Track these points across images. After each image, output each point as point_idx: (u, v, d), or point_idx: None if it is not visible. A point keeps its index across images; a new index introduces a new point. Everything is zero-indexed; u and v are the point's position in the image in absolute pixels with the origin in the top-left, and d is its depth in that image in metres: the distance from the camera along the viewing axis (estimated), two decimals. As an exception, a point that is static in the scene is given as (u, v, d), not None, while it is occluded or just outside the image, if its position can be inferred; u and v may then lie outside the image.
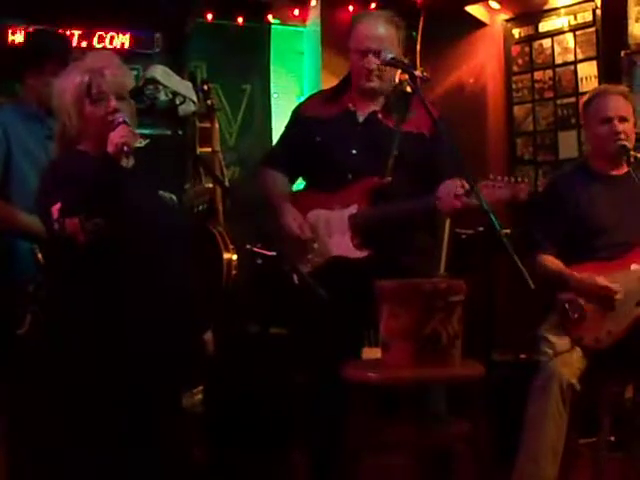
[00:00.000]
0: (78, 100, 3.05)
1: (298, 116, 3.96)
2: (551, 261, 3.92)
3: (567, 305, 3.87)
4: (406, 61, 3.76)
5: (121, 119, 2.97)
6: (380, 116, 3.76)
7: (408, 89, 3.91)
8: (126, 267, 2.99)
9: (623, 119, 3.94)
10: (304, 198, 3.86)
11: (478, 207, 3.34)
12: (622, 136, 3.92)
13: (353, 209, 3.68)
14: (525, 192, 3.47)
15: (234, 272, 4.84)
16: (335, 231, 3.70)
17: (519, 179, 3.51)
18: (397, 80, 3.90)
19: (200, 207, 4.50)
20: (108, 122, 3.01)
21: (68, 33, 5.56)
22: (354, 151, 3.73)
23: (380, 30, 3.73)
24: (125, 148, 2.90)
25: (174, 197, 3.40)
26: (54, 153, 3.19)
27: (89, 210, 2.85)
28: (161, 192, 3.26)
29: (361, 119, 3.78)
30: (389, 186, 3.63)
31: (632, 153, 3.92)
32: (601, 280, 3.80)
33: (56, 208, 2.87)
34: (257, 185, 3.98)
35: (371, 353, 3.50)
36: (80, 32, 5.66)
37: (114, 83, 3.08)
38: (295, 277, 3.42)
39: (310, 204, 3.78)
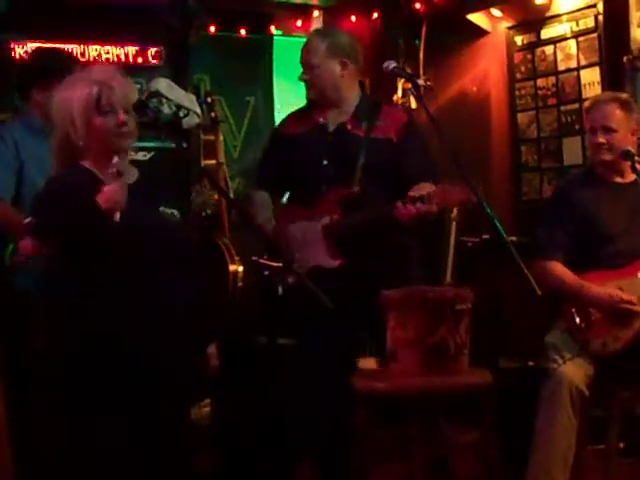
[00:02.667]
0: (87, 111, 3.03)
1: (274, 135, 4.14)
2: (565, 273, 3.90)
3: (575, 312, 3.86)
4: (408, 70, 3.79)
5: (115, 169, 2.99)
6: (349, 126, 3.86)
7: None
8: (128, 283, 3.00)
9: (608, 129, 3.90)
10: (286, 212, 3.99)
11: (433, 214, 3.43)
12: (604, 147, 3.90)
13: (326, 220, 3.77)
14: (467, 194, 3.38)
15: (240, 284, 4.85)
16: (311, 242, 3.79)
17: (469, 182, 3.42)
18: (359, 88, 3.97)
19: (208, 211, 4.52)
20: (117, 134, 3.04)
21: (72, 46, 5.59)
22: (325, 162, 3.84)
23: (308, 43, 3.92)
24: (117, 206, 2.93)
25: (176, 213, 3.42)
26: (54, 166, 3.17)
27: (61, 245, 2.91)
28: (162, 208, 3.27)
29: (331, 130, 3.90)
30: (359, 195, 3.71)
31: (637, 158, 3.90)
32: (625, 296, 3.78)
33: (30, 222, 2.92)
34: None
35: (367, 363, 3.52)
36: (84, 45, 5.67)
37: (123, 97, 3.09)
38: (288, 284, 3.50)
39: (291, 217, 3.90)
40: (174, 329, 3.05)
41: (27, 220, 2.95)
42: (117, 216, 2.93)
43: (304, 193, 3.89)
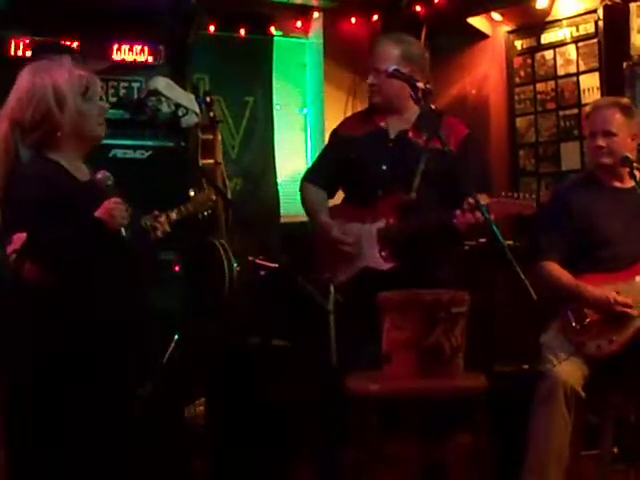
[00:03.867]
0: (78, 94, 3.01)
1: (335, 134, 4.14)
2: (562, 273, 3.91)
3: (570, 313, 3.86)
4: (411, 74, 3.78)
5: (102, 175, 2.98)
6: (410, 134, 3.89)
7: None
8: (98, 284, 2.99)
9: (608, 133, 3.91)
10: (339, 212, 4.02)
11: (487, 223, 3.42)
12: (604, 151, 3.91)
13: (381, 223, 3.83)
14: (531, 209, 3.56)
15: (236, 284, 4.85)
16: (365, 243, 3.84)
17: (526, 195, 3.61)
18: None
19: (205, 213, 4.50)
20: (100, 122, 3.07)
21: (70, 45, 5.57)
22: (384, 167, 3.86)
23: (380, 48, 3.88)
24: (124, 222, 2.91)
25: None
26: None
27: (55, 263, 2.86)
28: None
29: (392, 136, 3.92)
30: (416, 201, 3.75)
31: (635, 165, 3.90)
32: (620, 298, 3.79)
33: (19, 238, 2.84)
34: (300, 200, 4.15)
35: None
36: (83, 44, 5.66)
37: (100, 90, 3.13)
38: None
39: (344, 217, 3.94)
40: (152, 329, 3.07)
41: (16, 244, 2.83)
42: (123, 231, 2.93)
43: (359, 195, 3.93)
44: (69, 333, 2.89)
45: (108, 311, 2.94)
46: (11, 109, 3.01)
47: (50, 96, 2.99)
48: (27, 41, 5.40)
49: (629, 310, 3.78)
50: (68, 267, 2.89)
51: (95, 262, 2.92)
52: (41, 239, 2.84)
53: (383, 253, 3.80)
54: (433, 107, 3.79)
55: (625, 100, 4.15)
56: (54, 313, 2.91)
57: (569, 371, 3.74)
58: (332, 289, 3.71)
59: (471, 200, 3.50)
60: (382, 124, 3.94)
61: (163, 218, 3.38)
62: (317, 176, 4.11)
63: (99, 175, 3.01)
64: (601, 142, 3.91)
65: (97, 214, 2.91)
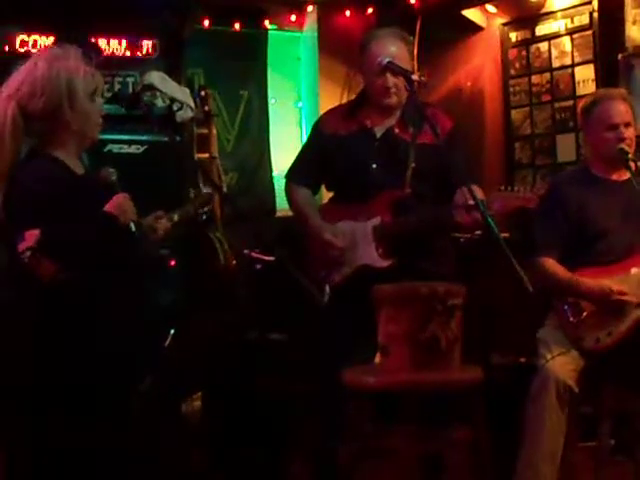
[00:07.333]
0: (87, 94, 2.99)
1: (318, 132, 4.06)
2: (557, 268, 3.91)
3: (567, 308, 3.87)
4: (406, 66, 3.78)
5: (105, 171, 2.98)
6: (397, 131, 3.86)
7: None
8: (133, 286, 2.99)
9: (628, 124, 3.94)
10: (331, 210, 3.99)
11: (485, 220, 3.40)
12: (628, 142, 3.93)
13: (376, 221, 3.80)
14: (534, 201, 3.59)
15: (232, 277, 4.85)
16: (360, 242, 3.82)
17: (526, 188, 3.64)
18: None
19: (204, 216, 4.51)
20: (99, 124, 3.05)
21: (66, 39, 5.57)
22: (374, 166, 3.83)
23: (392, 48, 3.80)
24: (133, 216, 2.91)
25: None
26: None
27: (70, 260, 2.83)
28: None
29: (378, 135, 3.88)
30: (409, 197, 3.74)
31: (630, 157, 3.91)
32: (615, 287, 3.79)
33: (32, 235, 2.79)
34: (288, 201, 4.12)
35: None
36: (77, 38, 5.65)
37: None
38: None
39: (337, 216, 3.91)
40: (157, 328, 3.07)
41: (31, 242, 2.78)
42: (133, 226, 2.92)
43: (350, 193, 3.89)
44: (85, 329, 2.88)
45: (120, 305, 2.93)
46: (23, 94, 2.93)
47: (64, 90, 2.94)
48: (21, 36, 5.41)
49: (626, 298, 3.78)
50: (87, 262, 2.87)
51: (110, 257, 2.90)
52: (58, 236, 2.81)
53: (380, 250, 3.78)
54: (418, 99, 3.75)
55: (625, 91, 4.19)
56: (71, 310, 2.88)
57: (561, 365, 3.74)
58: (327, 288, 3.74)
59: (466, 192, 3.46)
60: (367, 122, 3.88)
61: (165, 219, 3.34)
62: (302, 176, 4.05)
63: (103, 171, 3.00)
64: (625, 134, 3.92)
65: (108, 208, 2.89)
